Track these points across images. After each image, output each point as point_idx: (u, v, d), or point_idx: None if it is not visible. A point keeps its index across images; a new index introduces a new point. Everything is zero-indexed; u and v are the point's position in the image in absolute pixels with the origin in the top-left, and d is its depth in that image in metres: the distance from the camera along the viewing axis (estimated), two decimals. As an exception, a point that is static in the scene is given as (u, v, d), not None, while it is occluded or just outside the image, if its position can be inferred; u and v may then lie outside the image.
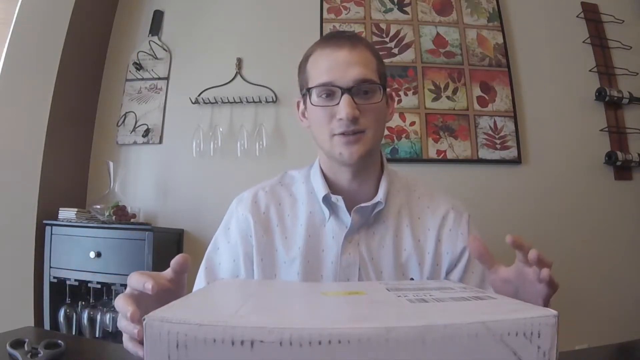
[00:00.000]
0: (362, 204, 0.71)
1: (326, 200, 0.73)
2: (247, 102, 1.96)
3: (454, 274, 0.73)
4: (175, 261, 0.52)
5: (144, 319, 0.26)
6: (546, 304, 0.54)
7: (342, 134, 0.68)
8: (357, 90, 0.68)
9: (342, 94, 0.67)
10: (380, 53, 2.15)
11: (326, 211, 0.74)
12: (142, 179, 1.97)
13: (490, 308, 0.32)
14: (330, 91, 0.69)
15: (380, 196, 0.73)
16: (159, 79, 2.05)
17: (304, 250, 0.72)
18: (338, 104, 0.67)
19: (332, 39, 0.72)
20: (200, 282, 0.76)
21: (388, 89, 0.76)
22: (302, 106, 0.77)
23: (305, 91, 0.72)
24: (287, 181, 0.81)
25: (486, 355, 0.26)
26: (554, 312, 0.28)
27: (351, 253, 0.72)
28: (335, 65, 0.68)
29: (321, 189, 0.73)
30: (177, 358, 0.25)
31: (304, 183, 0.79)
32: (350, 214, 0.72)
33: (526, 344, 0.27)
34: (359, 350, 0.24)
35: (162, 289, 0.50)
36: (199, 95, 1.97)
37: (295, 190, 0.79)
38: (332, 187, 0.74)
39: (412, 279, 0.71)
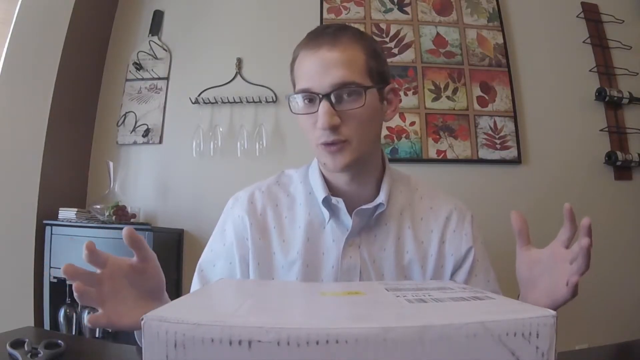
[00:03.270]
0: (363, 206, 0.69)
1: (326, 202, 0.70)
2: (247, 102, 1.96)
3: (459, 275, 0.72)
4: (126, 238, 0.51)
5: (142, 319, 0.26)
6: (562, 302, 0.54)
7: (324, 144, 0.64)
8: (338, 95, 0.63)
9: (320, 101, 0.62)
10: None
11: (326, 213, 0.71)
12: (142, 179, 1.98)
13: (489, 308, 0.32)
14: (310, 97, 0.64)
15: (381, 198, 0.69)
16: (159, 79, 2.05)
17: (303, 255, 0.70)
18: (317, 111, 0.63)
19: (315, 36, 0.66)
20: (195, 285, 0.74)
21: (389, 85, 0.71)
22: None
23: (288, 99, 0.68)
24: (284, 181, 0.78)
25: (484, 356, 0.26)
26: (553, 312, 0.28)
27: (352, 256, 0.69)
28: (313, 69, 0.63)
29: (320, 191, 0.70)
30: (175, 357, 0.25)
31: (302, 183, 0.76)
32: (351, 216, 0.69)
33: (525, 344, 0.27)
34: (357, 350, 0.24)
35: (127, 273, 0.52)
36: (199, 95, 1.97)
37: (292, 191, 0.76)
38: (332, 188, 0.71)
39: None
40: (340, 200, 0.69)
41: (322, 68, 0.63)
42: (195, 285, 0.74)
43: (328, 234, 0.71)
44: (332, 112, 0.62)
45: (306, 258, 0.70)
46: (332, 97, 0.62)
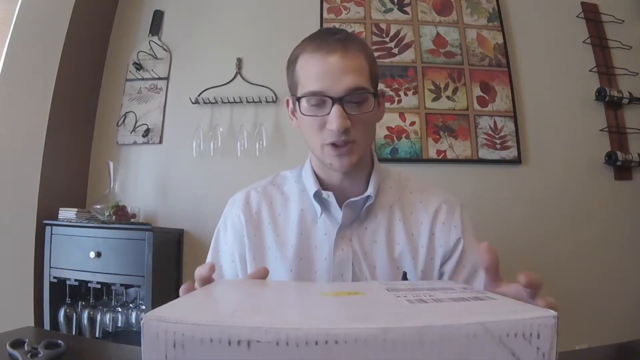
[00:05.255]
0: (352, 199, 0.72)
1: (317, 196, 0.73)
2: (247, 102, 1.96)
3: (447, 266, 0.73)
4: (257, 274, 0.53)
5: (141, 319, 0.26)
6: None
7: (333, 144, 0.67)
8: (349, 100, 0.66)
9: (333, 104, 0.65)
10: (380, 53, 2.16)
11: (318, 208, 0.74)
12: (142, 179, 1.98)
13: (490, 309, 0.32)
14: (320, 100, 0.67)
15: (370, 190, 0.73)
16: (159, 79, 2.05)
17: (297, 248, 0.73)
18: (329, 114, 0.66)
19: (323, 41, 0.68)
20: None
21: (379, 88, 0.74)
22: (291, 105, 0.76)
23: (296, 99, 0.70)
24: (278, 181, 0.82)
25: (485, 356, 0.26)
26: (554, 312, 0.27)
27: (344, 249, 0.72)
28: (326, 73, 0.66)
29: (312, 186, 0.74)
30: (174, 357, 0.25)
31: (296, 182, 0.79)
32: (341, 209, 0.72)
33: (525, 344, 0.26)
34: (356, 350, 0.24)
35: None
36: (199, 95, 1.97)
37: (287, 190, 0.80)
38: (324, 184, 0.75)
39: (405, 272, 0.71)
40: (330, 194, 0.72)
41: (335, 73, 0.65)
42: None
43: (320, 228, 0.74)
44: (344, 116, 0.65)
45: (299, 252, 0.73)
46: (344, 101, 0.66)
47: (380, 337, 0.25)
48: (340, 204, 0.72)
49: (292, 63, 0.72)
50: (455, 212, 0.76)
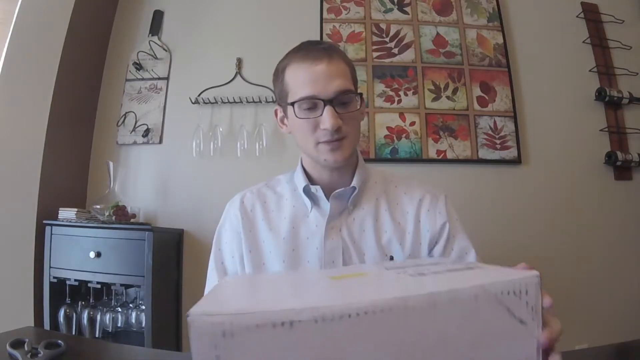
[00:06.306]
0: (339, 190, 0.78)
1: (306, 191, 0.80)
2: (247, 102, 1.96)
3: (436, 250, 0.78)
4: None
5: (188, 315, 0.28)
6: None
7: (326, 142, 0.74)
8: (338, 101, 0.73)
9: (325, 106, 0.72)
10: (380, 53, 2.17)
11: (308, 202, 0.80)
12: (142, 179, 1.97)
13: (483, 274, 0.37)
14: (312, 104, 0.73)
15: (355, 182, 0.79)
16: (159, 79, 2.05)
17: (289, 240, 0.78)
18: (321, 115, 0.72)
19: (309, 51, 0.75)
20: (213, 281, 0.82)
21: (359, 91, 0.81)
22: (280, 113, 0.83)
23: (290, 104, 0.75)
24: (272, 183, 0.89)
25: (487, 314, 0.30)
26: (536, 272, 0.33)
27: (334, 238, 0.77)
28: (316, 79, 0.72)
29: (302, 182, 0.80)
30: (224, 346, 0.27)
31: (288, 183, 0.86)
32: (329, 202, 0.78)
33: (517, 300, 0.32)
34: (382, 319, 0.28)
35: None
36: (199, 95, 1.97)
37: (280, 190, 0.86)
38: (314, 181, 0.81)
39: (391, 256, 0.76)
40: (318, 187, 0.79)
41: (324, 78, 0.72)
42: (212, 280, 0.82)
43: (311, 220, 0.80)
44: (336, 115, 0.72)
45: (292, 243, 0.78)
46: (334, 103, 0.72)
47: (402, 304, 0.29)
48: (328, 197, 0.78)
49: (279, 74, 0.79)
50: (439, 201, 0.82)
